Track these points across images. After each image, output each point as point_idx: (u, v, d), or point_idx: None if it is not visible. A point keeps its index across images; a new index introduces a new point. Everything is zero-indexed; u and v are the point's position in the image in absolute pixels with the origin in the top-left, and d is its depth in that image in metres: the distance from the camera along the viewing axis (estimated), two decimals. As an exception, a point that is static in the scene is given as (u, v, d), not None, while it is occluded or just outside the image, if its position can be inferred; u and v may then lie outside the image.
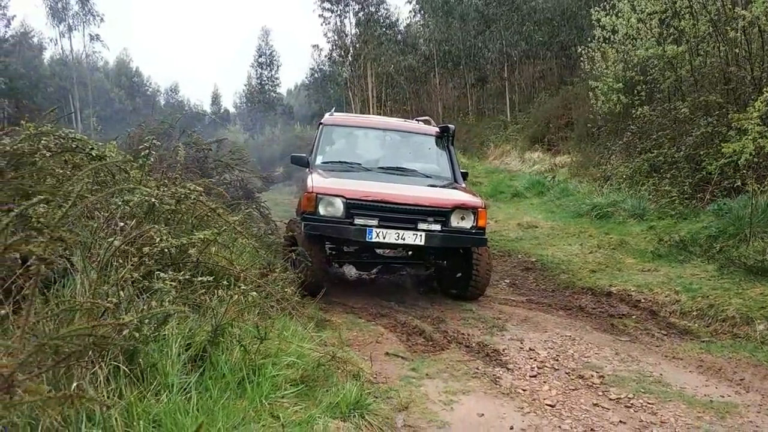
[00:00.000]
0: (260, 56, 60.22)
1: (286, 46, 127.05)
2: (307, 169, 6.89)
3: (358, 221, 5.77)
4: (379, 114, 30.03)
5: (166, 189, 4.64)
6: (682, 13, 10.41)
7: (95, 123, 42.05)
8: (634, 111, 11.00)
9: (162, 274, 3.22)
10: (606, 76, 12.18)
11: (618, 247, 8.01)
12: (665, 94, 10.83)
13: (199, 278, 3.45)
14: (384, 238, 5.77)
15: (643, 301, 6.25)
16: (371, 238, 5.75)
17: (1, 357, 1.81)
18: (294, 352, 3.78)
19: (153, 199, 3.73)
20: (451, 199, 6.15)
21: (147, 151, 4.35)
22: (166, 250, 3.93)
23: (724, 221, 7.49)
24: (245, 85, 66.50)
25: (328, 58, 34.24)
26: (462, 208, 6.02)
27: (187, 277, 3.39)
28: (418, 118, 8.58)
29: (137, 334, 2.55)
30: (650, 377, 4.39)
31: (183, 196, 4.10)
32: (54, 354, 1.82)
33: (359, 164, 6.97)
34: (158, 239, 3.88)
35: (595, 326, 5.68)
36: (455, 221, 6.00)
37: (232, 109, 75.06)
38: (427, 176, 6.94)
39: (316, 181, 6.04)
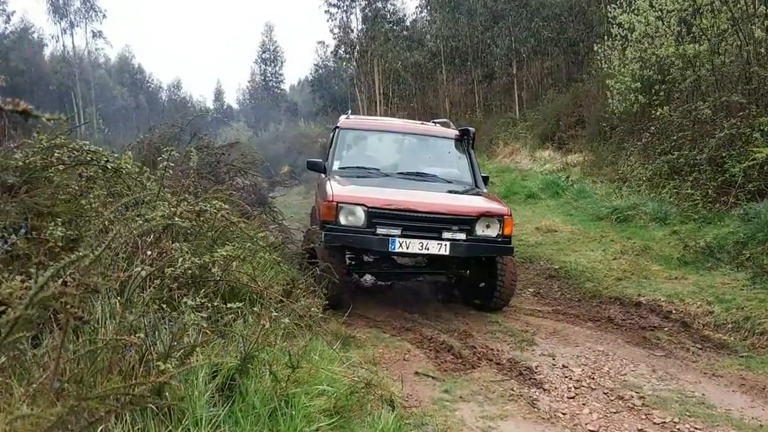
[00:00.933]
0: (264, 52, 60.05)
1: (290, 41, 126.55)
2: (324, 176, 6.71)
3: (380, 231, 5.56)
4: (386, 111, 29.78)
5: (186, 204, 4.45)
6: (702, 11, 10.16)
7: (99, 122, 41.84)
8: (653, 111, 10.75)
9: (189, 302, 3.02)
10: (623, 75, 11.93)
11: (642, 252, 7.80)
12: (684, 94, 10.59)
13: (227, 305, 3.24)
14: (407, 248, 5.56)
15: (674, 312, 6.04)
16: (394, 248, 5.54)
17: (27, 420, 1.61)
18: (324, 378, 3.59)
19: (176, 218, 3.52)
20: (476, 207, 5.94)
21: (165, 162, 4.15)
22: (188, 270, 3.74)
23: (751, 226, 7.26)
24: (249, 81, 66.37)
25: (334, 55, 33.98)
26: (488, 216, 5.81)
27: (214, 304, 3.18)
28: (436, 121, 8.37)
29: (164, 367, 2.35)
30: (693, 398, 4.19)
31: (206, 211, 3.90)
32: (87, 414, 1.62)
33: (377, 170, 6.75)
34: (180, 259, 3.69)
35: (627, 339, 5.48)
36: (480, 229, 5.78)
37: (235, 106, 74.84)
38: (448, 181, 6.74)
39: (335, 189, 5.82)
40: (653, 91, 11.32)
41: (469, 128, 7.25)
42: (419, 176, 6.67)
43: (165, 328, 3.20)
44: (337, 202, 5.60)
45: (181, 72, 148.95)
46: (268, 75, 60.29)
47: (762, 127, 8.01)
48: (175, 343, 2.87)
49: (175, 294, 3.80)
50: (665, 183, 9.40)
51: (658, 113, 10.36)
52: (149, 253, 3.58)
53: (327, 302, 5.18)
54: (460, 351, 4.96)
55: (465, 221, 5.74)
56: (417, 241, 5.56)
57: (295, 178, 23.77)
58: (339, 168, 6.72)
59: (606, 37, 13.40)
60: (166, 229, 4.09)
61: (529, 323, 5.89)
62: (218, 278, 3.90)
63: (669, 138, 9.85)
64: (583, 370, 4.69)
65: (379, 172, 6.68)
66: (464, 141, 7.23)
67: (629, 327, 5.81)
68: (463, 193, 6.48)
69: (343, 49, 30.87)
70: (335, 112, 46.26)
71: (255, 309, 4.19)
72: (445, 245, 5.60)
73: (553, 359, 4.90)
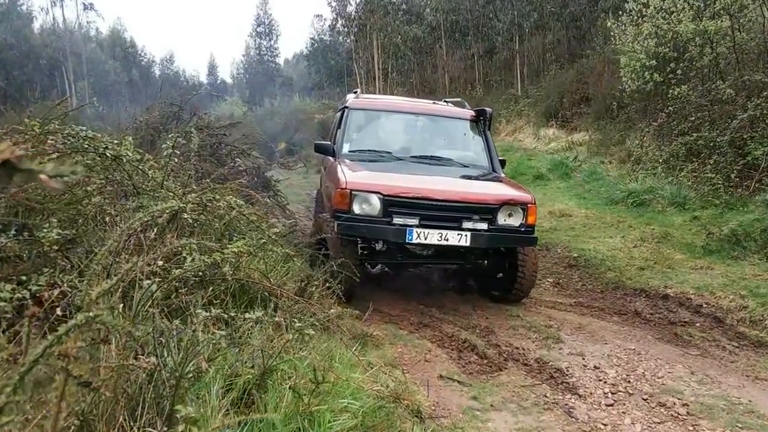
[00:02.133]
0: (259, 25, 59.01)
1: (286, 14, 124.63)
2: (333, 159, 6.33)
3: (397, 220, 5.19)
4: (384, 86, 29.19)
5: (193, 194, 4.08)
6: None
7: (92, 97, 41.04)
8: (669, 90, 10.35)
9: (202, 313, 2.67)
10: (637, 52, 11.48)
11: (662, 239, 7.48)
12: (702, 72, 10.18)
13: (243, 314, 2.90)
14: (426, 238, 5.18)
15: (705, 306, 5.74)
16: (412, 239, 5.17)
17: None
18: (348, 389, 3.27)
19: (185, 214, 3.16)
20: (499, 195, 5.56)
21: (170, 150, 3.77)
22: (198, 271, 3.39)
23: (779, 213, 6.96)
24: (243, 55, 65.36)
25: (332, 29, 33.21)
26: (511, 204, 5.44)
27: (230, 314, 2.84)
28: (448, 100, 7.96)
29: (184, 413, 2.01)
30: (740, 405, 3.90)
31: (216, 201, 3.54)
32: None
33: (390, 153, 6.35)
34: (189, 258, 3.35)
35: (658, 336, 5.18)
36: (503, 219, 5.41)
37: (229, 80, 73.82)
38: (464, 166, 6.36)
39: (348, 175, 5.43)
40: (669, 69, 10.91)
41: (486, 108, 6.86)
42: (434, 160, 6.30)
43: (173, 340, 2.87)
44: (351, 190, 5.20)
45: (174, 46, 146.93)
46: (263, 49, 59.36)
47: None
48: (187, 360, 2.53)
49: (182, 298, 3.47)
50: (682, 165, 9.05)
51: (675, 92, 9.96)
52: (154, 253, 3.23)
53: (342, 296, 4.85)
54: (484, 350, 4.64)
55: (487, 210, 5.38)
56: (436, 231, 5.19)
57: (293, 155, 23.32)
58: (349, 151, 6.34)
59: (621, 12, 12.91)
60: (171, 221, 3.73)
61: (552, 317, 5.58)
62: (229, 277, 3.55)
63: (687, 118, 9.47)
64: (617, 372, 4.39)
65: (391, 156, 6.28)
66: (480, 122, 6.83)
67: (658, 322, 5.51)
68: (482, 179, 6.10)
69: (340, 23, 30.16)
70: (332, 86, 45.71)
71: (270, 312, 3.86)
72: (466, 236, 5.24)
73: (583, 359, 4.60)
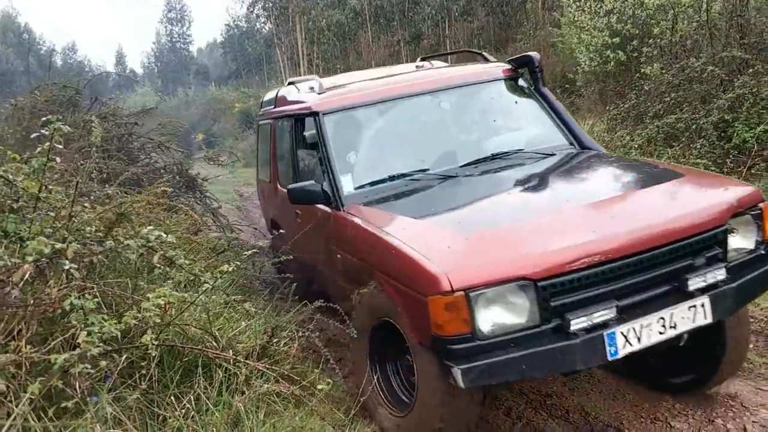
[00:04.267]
0: (170, 11, 55.73)
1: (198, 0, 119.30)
2: (329, 210, 3.67)
3: (577, 323, 2.52)
4: (308, 73, 27.69)
5: (90, 210, 2.67)
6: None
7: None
8: (641, 69, 9.55)
9: None
10: (598, 29, 10.63)
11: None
12: (672, 50, 9.44)
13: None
14: (641, 340, 2.60)
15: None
16: (617, 353, 2.55)
17: None
18: None
19: (66, 263, 1.80)
20: (715, 200, 2.91)
21: (49, 144, 2.36)
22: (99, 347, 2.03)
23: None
24: (154, 43, 61.72)
25: (250, 11, 31.25)
26: (741, 213, 2.88)
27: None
28: (428, 56, 5.57)
29: None
30: None
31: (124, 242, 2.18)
32: None
33: (426, 171, 3.73)
34: (81, 328, 1.99)
35: None
36: (736, 243, 2.91)
37: (139, 70, 69.60)
38: (547, 154, 3.84)
39: (431, 252, 2.65)
40: (631, 47, 10.12)
41: (531, 54, 4.34)
42: (500, 161, 3.77)
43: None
44: (466, 290, 2.45)
45: (77, 35, 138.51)
46: (175, 36, 56.22)
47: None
48: None
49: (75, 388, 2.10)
50: (662, 151, 8.24)
51: (648, 71, 9.17)
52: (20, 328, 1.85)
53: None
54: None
55: (712, 238, 2.78)
56: (653, 318, 2.62)
57: (212, 147, 21.55)
58: (356, 188, 3.65)
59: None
60: (52, 262, 2.32)
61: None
62: (152, 351, 2.19)
63: (662, 99, 8.68)
64: None
65: (433, 177, 3.65)
66: (526, 77, 4.36)
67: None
68: (634, 177, 3.46)
69: (260, 5, 28.30)
70: (250, 75, 43.57)
71: (217, 388, 2.53)
72: (703, 306, 2.71)
73: None
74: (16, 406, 1.81)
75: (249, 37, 43.27)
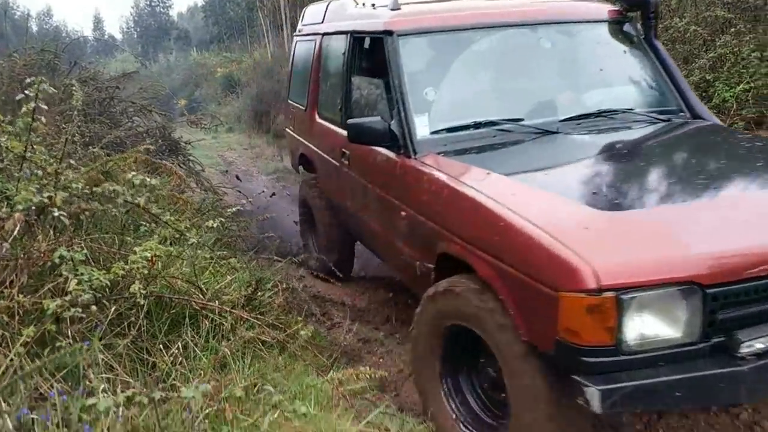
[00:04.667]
0: (147, -27, 54.46)
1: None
2: (396, 157, 3.03)
3: (748, 343, 1.95)
4: (291, 37, 27.27)
5: (76, 171, 2.75)
6: None
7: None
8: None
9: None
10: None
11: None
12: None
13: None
14: None
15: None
16: None
17: None
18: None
19: (56, 210, 1.88)
20: None
21: (33, 104, 2.42)
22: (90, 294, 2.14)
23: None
24: (132, 8, 60.43)
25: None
26: None
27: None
28: None
29: None
30: None
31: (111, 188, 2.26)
32: None
33: (518, 121, 3.08)
34: (72, 279, 2.09)
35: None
36: None
37: (118, 36, 68.17)
38: (662, 120, 3.25)
39: (561, 231, 2.06)
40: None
41: None
42: (609, 121, 3.17)
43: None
44: (618, 290, 1.87)
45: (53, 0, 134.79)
46: (155, 0, 54.96)
47: (764, 48, 7.01)
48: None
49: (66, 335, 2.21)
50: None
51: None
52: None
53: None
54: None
55: None
56: None
57: (194, 112, 21.37)
58: (432, 133, 3.01)
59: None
60: (43, 213, 2.41)
61: None
62: (141, 299, 2.30)
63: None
64: None
65: (528, 130, 3.02)
66: (637, 24, 3.61)
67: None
68: None
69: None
70: (232, 39, 42.82)
71: (204, 335, 2.65)
72: None
73: None
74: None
75: (230, 1, 42.44)
